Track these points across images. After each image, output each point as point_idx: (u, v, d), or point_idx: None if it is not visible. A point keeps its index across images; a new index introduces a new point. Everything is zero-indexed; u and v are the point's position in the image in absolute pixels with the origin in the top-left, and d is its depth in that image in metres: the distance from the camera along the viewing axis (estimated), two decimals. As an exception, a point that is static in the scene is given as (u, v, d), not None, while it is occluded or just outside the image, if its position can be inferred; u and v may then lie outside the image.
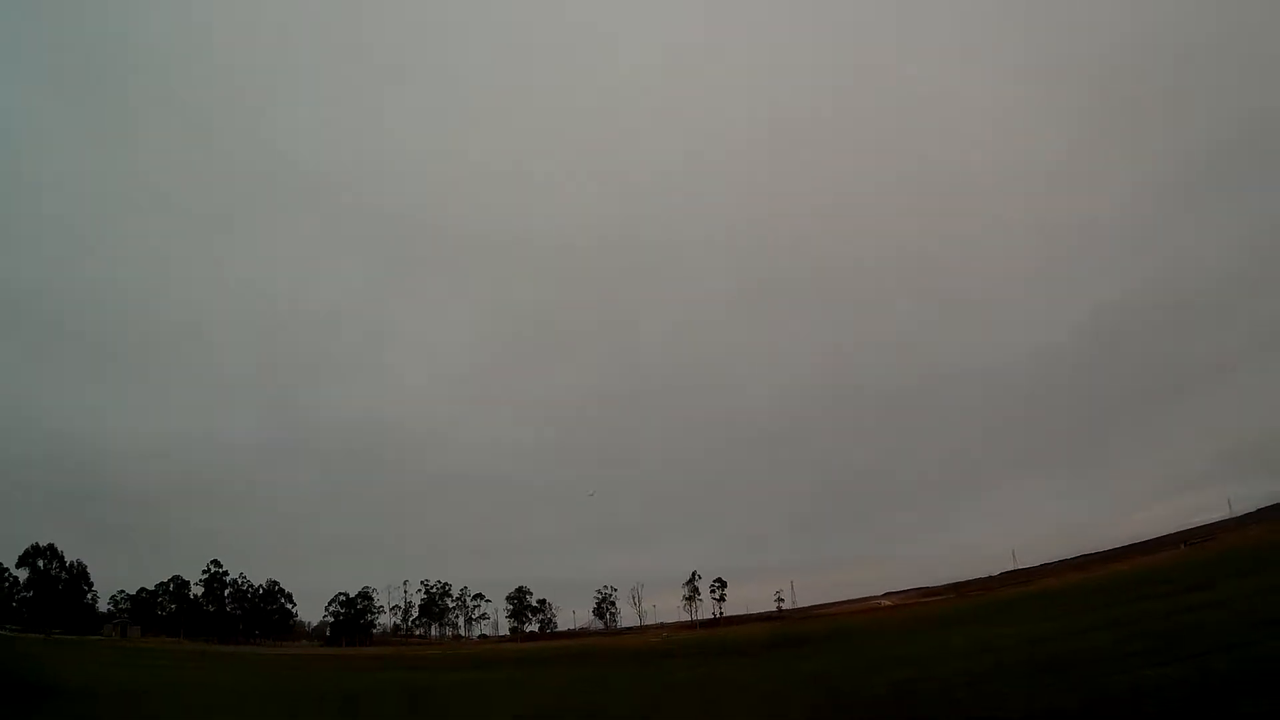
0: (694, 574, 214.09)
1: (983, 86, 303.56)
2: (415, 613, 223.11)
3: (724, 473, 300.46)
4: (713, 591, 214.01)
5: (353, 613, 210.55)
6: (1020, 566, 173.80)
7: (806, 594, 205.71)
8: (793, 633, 78.30)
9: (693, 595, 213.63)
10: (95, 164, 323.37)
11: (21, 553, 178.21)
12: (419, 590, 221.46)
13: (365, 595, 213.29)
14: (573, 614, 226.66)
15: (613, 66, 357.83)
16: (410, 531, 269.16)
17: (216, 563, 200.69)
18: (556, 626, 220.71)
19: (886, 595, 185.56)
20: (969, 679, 21.31)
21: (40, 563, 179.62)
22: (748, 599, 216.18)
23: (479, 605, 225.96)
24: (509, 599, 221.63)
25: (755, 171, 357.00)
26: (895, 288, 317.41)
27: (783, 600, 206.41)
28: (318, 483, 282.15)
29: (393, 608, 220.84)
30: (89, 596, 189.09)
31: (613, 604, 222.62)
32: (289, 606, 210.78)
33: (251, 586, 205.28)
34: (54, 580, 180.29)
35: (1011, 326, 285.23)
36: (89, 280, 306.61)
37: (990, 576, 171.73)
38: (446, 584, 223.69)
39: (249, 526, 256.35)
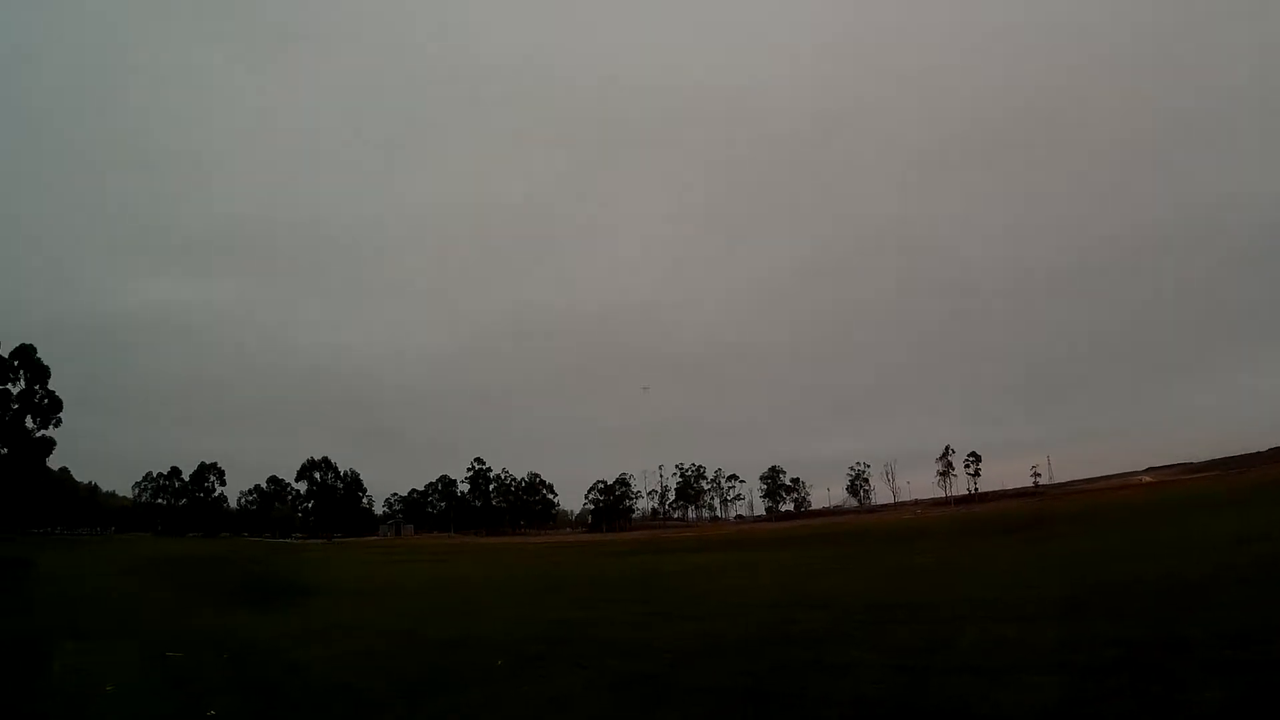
0: (947, 449, 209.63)
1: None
2: (672, 496, 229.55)
3: (971, 339, 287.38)
4: (967, 467, 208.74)
5: (611, 499, 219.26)
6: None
7: (1064, 469, 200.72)
8: (1046, 511, 75.21)
9: (946, 471, 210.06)
10: (306, 103, 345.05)
11: (300, 466, 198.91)
12: (674, 474, 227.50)
13: (623, 482, 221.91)
14: (827, 492, 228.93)
15: None
16: (661, 415, 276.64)
17: (480, 460, 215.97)
18: (810, 505, 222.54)
19: (1147, 471, 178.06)
20: (1239, 573, 18.29)
21: (317, 475, 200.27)
22: (1004, 475, 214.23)
23: (733, 486, 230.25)
24: (762, 479, 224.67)
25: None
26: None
27: (1039, 476, 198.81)
28: (561, 375, 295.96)
29: (649, 492, 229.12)
30: (364, 501, 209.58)
31: (866, 481, 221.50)
32: (551, 497, 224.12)
33: (514, 480, 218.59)
34: (331, 489, 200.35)
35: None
36: (309, 209, 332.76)
37: (1259, 453, 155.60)
38: (701, 466, 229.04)
39: (507, 423, 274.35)
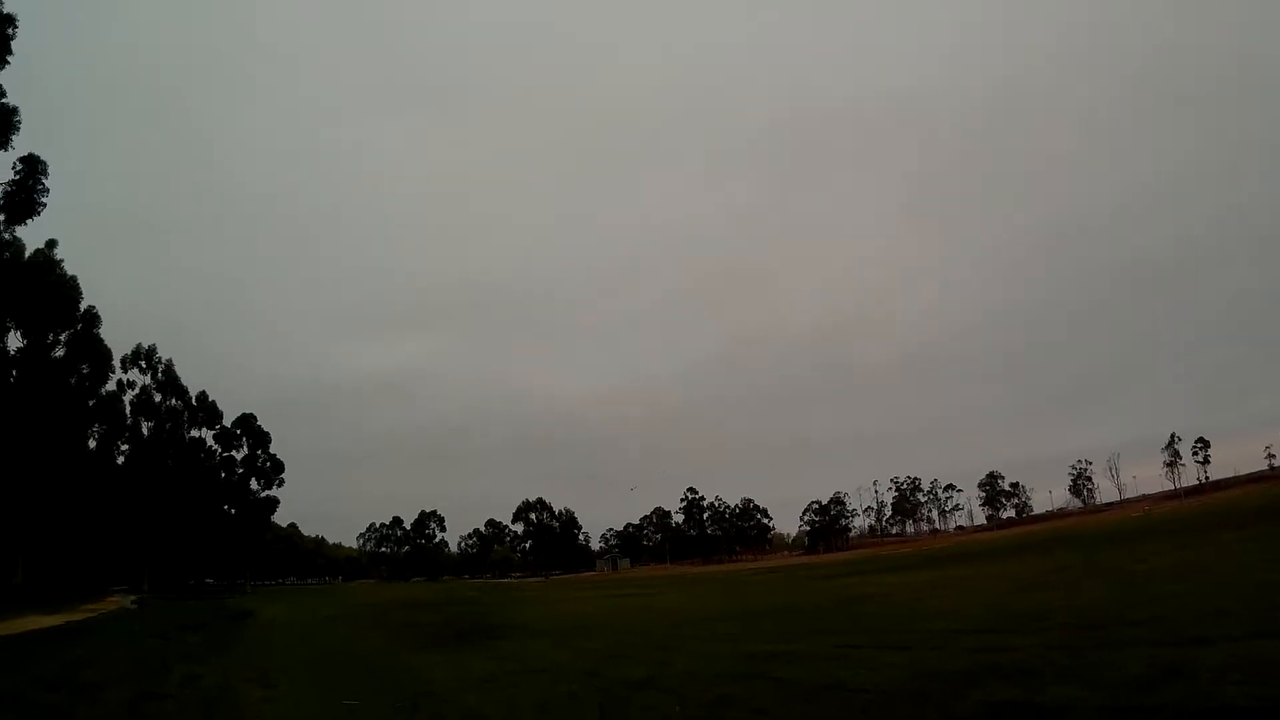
0: (1173, 436, 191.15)
1: None
2: (888, 511, 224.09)
3: (1179, 312, 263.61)
4: (1195, 454, 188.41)
5: (827, 519, 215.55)
6: None
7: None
8: (1286, 494, 67.17)
9: (1173, 461, 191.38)
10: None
11: (515, 509, 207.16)
12: (889, 488, 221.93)
13: (838, 500, 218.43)
14: (1049, 494, 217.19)
15: None
16: (868, 428, 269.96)
17: (693, 489, 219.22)
18: (1032, 509, 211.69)
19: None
20: None
21: (533, 515, 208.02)
22: (1236, 459, 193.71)
23: (951, 496, 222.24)
24: (980, 486, 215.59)
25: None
26: None
27: (1274, 456, 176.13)
28: (772, 395, 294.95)
29: (866, 509, 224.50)
30: (580, 537, 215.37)
31: (1089, 479, 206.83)
32: (765, 521, 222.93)
33: (728, 506, 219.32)
34: (547, 529, 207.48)
35: None
36: (514, 261, 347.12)
37: None
38: (916, 479, 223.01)
39: (720, 449, 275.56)
